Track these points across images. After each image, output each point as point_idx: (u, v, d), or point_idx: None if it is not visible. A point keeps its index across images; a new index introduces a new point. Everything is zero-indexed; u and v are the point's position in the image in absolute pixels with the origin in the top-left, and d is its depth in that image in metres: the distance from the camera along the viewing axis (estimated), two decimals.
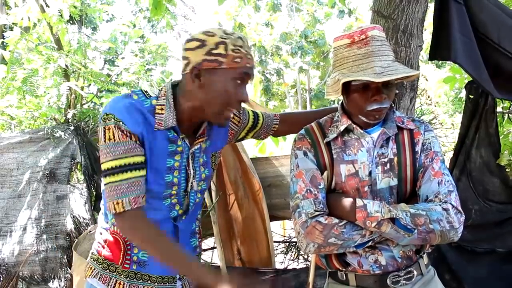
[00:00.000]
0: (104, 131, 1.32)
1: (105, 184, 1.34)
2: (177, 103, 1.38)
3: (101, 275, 1.45)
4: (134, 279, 1.44)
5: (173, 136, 1.39)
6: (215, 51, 1.29)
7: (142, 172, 1.35)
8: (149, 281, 1.45)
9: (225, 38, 1.30)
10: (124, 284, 1.43)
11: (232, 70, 1.32)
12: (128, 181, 1.32)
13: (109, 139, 1.32)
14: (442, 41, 2.02)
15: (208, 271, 1.35)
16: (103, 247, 1.47)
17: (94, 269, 1.46)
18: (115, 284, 1.43)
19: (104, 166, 1.33)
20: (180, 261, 1.36)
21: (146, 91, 1.41)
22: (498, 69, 2.08)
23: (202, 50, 1.30)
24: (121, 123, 1.31)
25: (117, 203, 1.31)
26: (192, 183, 1.46)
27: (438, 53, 2.05)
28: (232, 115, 1.59)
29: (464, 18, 2.00)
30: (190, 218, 1.54)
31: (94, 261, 1.48)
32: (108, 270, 1.45)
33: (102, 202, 1.52)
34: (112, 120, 1.31)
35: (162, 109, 1.36)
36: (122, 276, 1.44)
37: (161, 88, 1.41)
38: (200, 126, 1.45)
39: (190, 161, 1.44)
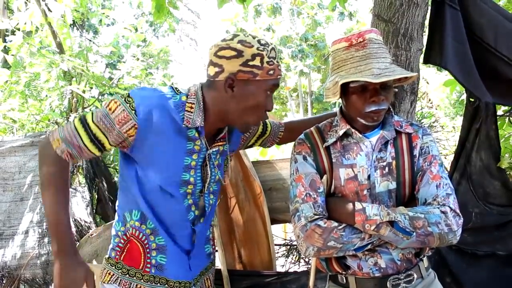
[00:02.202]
0: (111, 101, 1.34)
1: (71, 123, 1.37)
2: (205, 105, 1.39)
3: (121, 280, 1.44)
4: (153, 283, 1.44)
5: (194, 136, 1.39)
6: (251, 63, 1.30)
7: (95, 151, 1.37)
8: (166, 285, 1.45)
9: (261, 50, 1.31)
10: None
11: (265, 81, 1.33)
12: (81, 142, 1.34)
13: (109, 109, 1.33)
14: (435, 46, 2.03)
15: (61, 261, 1.36)
16: (122, 251, 1.46)
17: (113, 274, 1.45)
18: None
19: (87, 115, 1.36)
20: (57, 229, 1.37)
21: (176, 87, 1.42)
22: (494, 72, 2.08)
23: (239, 61, 1.30)
24: (134, 112, 1.31)
25: (56, 141, 1.36)
26: (208, 183, 1.47)
27: (431, 58, 2.06)
28: None
29: (458, 24, 2.00)
30: (206, 222, 1.55)
31: (112, 266, 1.46)
32: (127, 275, 1.44)
33: (117, 204, 1.52)
34: (128, 104, 1.32)
35: (191, 107, 1.37)
36: (142, 280, 1.44)
37: (190, 88, 1.42)
38: (221, 129, 1.46)
39: (207, 162, 1.45)
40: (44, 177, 1.37)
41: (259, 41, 1.33)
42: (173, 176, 1.40)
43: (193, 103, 1.37)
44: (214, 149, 1.45)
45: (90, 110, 1.43)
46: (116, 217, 1.52)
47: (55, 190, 1.37)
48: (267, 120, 1.74)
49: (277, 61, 1.36)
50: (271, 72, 1.33)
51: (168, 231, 1.45)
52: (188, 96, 1.38)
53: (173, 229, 1.45)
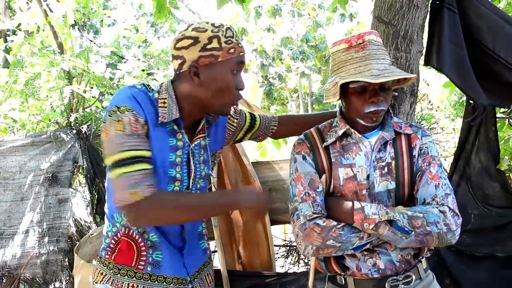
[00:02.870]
0: (113, 124, 1.29)
1: (115, 176, 1.27)
2: (178, 99, 1.40)
3: (113, 280, 1.44)
4: (149, 281, 1.44)
5: (173, 129, 1.40)
6: (209, 46, 1.32)
7: (152, 166, 1.32)
8: (164, 283, 1.45)
9: (216, 32, 1.33)
10: (138, 286, 1.43)
11: (228, 61, 1.35)
12: (141, 172, 1.27)
13: (121, 131, 1.28)
14: (433, 48, 2.04)
15: (236, 195, 1.46)
16: (114, 251, 1.46)
17: (106, 274, 1.45)
18: (127, 287, 1.43)
19: (114, 158, 1.27)
20: (215, 197, 1.46)
21: (148, 85, 1.43)
22: (491, 75, 2.09)
23: (197, 47, 1.32)
24: (135, 112, 1.31)
25: (133, 194, 1.25)
26: (194, 179, 1.48)
27: (430, 60, 2.07)
28: (232, 110, 1.62)
29: (456, 26, 2.01)
30: None
31: (104, 266, 1.46)
32: (119, 274, 1.44)
33: (106, 206, 1.52)
34: (126, 112, 1.30)
35: (164, 102, 1.38)
36: (134, 278, 1.43)
37: (161, 84, 1.44)
38: (199, 123, 1.48)
39: (191, 157, 1.45)
40: (168, 210, 1.32)
41: (213, 25, 1.35)
42: (162, 172, 1.40)
43: (166, 98, 1.39)
44: (195, 143, 1.46)
45: (107, 155, 1.30)
46: (106, 219, 1.51)
47: (181, 203, 1.35)
48: (256, 114, 1.75)
49: (236, 40, 1.37)
50: (232, 50, 1.35)
51: (159, 228, 1.45)
52: (160, 93, 1.40)
53: (163, 226, 1.46)
